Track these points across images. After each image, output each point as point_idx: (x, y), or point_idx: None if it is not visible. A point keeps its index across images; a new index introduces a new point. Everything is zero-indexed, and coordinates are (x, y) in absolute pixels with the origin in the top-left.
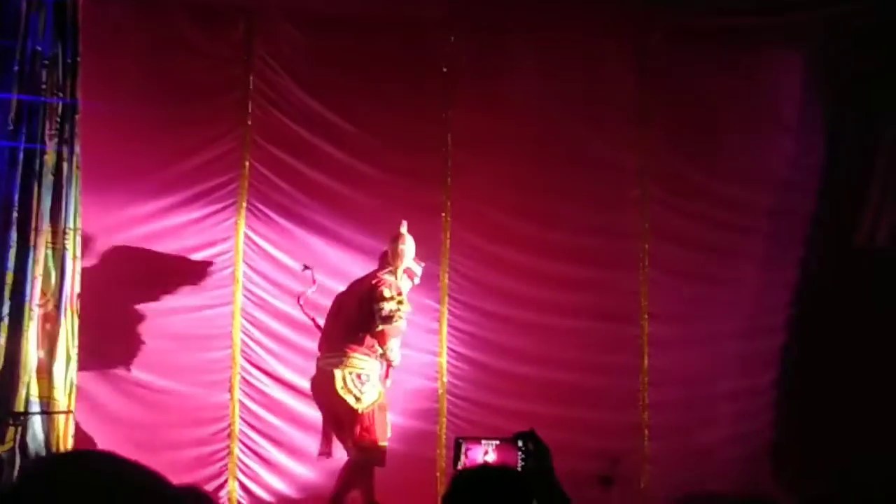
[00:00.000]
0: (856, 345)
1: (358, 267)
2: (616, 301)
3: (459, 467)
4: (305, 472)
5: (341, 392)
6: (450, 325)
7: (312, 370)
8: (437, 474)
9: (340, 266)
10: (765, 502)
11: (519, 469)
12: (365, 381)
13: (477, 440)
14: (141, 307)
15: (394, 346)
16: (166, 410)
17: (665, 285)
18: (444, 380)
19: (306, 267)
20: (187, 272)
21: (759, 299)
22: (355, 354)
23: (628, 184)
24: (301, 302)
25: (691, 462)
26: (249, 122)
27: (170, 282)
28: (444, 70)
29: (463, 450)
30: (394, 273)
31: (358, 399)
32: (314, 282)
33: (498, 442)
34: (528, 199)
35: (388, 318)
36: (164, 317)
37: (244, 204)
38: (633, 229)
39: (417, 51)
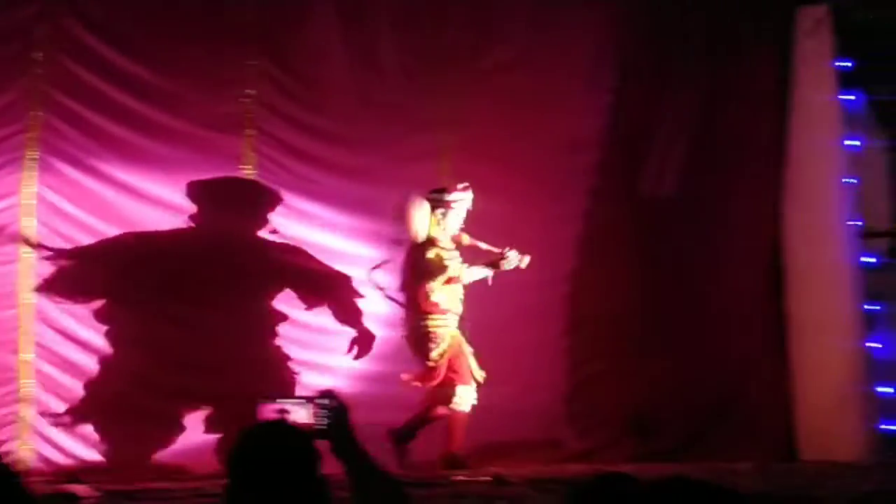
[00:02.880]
0: (641, 292)
1: (157, 222)
2: None
3: None
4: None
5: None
6: None
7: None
8: None
9: (143, 222)
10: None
11: (320, 426)
12: (433, 338)
13: (274, 399)
14: None
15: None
16: None
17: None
18: None
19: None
20: None
21: (547, 251)
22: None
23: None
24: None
25: (492, 412)
26: (40, 72)
27: None
28: (247, 17)
29: (261, 409)
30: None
31: (428, 358)
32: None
33: (297, 400)
34: (336, 152)
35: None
36: None
37: (35, 158)
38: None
39: None
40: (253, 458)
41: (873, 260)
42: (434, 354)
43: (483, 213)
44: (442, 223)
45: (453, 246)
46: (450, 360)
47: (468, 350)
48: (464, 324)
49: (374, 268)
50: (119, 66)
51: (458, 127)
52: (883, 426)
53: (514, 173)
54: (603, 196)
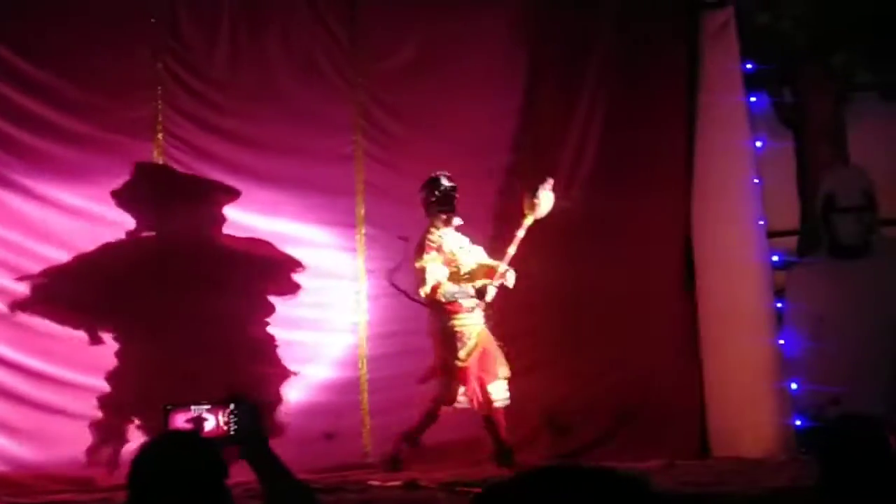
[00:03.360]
0: (554, 292)
1: (72, 231)
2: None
3: None
4: (8, 444)
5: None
6: None
7: (19, 339)
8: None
9: (59, 231)
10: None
11: (232, 432)
12: (460, 337)
13: (186, 406)
14: None
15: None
16: None
17: (379, 240)
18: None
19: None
20: None
21: None
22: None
23: (341, 140)
24: (391, 279)
25: (412, 414)
26: None
27: None
28: (153, 21)
29: (169, 416)
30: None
31: (457, 357)
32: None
33: (209, 406)
34: (247, 155)
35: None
36: None
37: None
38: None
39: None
40: (152, 469)
41: (777, 258)
42: (462, 354)
43: (396, 215)
44: (439, 222)
45: (463, 238)
46: (479, 359)
47: (495, 344)
48: (489, 316)
49: (392, 270)
50: (25, 72)
51: (371, 130)
52: (793, 422)
53: (427, 175)
54: (515, 197)
